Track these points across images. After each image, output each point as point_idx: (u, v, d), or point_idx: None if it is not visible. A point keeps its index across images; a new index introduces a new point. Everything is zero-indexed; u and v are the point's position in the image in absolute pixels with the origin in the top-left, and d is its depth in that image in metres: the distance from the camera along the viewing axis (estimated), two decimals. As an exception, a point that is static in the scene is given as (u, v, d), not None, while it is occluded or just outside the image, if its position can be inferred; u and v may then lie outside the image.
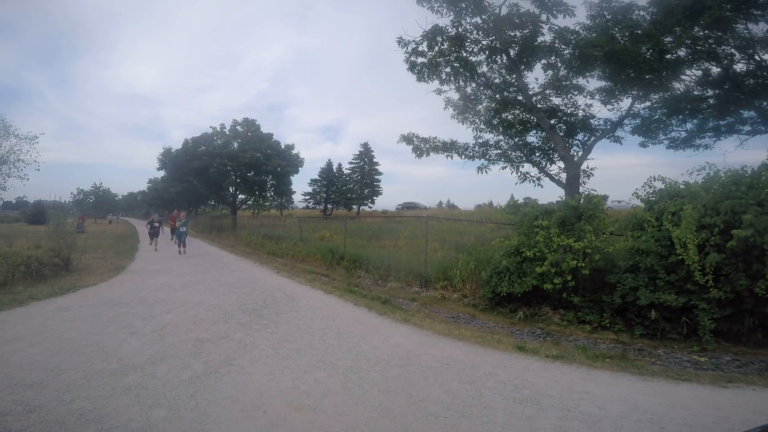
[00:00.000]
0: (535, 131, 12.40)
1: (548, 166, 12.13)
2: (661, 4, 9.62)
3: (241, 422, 2.96)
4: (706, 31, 9.32)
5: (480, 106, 12.27)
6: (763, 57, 9.85)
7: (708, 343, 4.83)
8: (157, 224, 16.99)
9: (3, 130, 17.22)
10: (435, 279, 8.42)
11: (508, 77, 11.62)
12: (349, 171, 60.86)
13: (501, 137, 12.54)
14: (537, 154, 12.34)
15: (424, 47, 10.77)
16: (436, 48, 10.62)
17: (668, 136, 12.15)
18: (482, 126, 12.50)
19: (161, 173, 35.20)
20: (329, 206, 59.62)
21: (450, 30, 10.56)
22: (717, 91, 10.93)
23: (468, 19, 10.65)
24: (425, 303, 7.35)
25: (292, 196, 34.98)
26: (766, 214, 4.72)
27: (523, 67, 11.15)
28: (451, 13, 10.58)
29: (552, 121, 11.52)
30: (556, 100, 11.92)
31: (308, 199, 60.25)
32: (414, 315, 6.41)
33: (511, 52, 10.86)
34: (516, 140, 12.42)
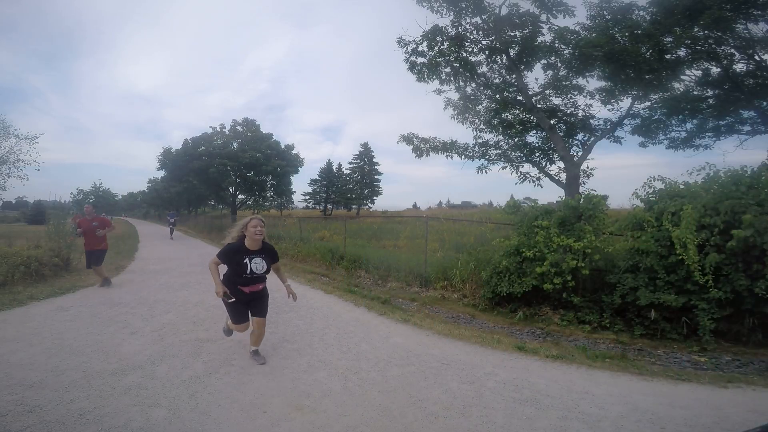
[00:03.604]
0: (535, 131, 12.44)
1: (548, 166, 12.17)
2: (661, 4, 9.63)
3: (241, 422, 2.96)
4: (706, 31, 9.33)
5: (480, 106, 12.30)
6: (763, 57, 9.86)
7: (708, 343, 4.83)
8: (259, 272, 4.01)
9: (3, 130, 17.25)
10: (435, 279, 8.42)
11: (508, 77, 11.64)
12: (349, 171, 60.93)
13: (501, 137, 12.57)
14: (537, 154, 12.37)
15: (424, 47, 10.80)
16: (436, 48, 10.64)
17: (668, 136, 12.18)
18: (482, 126, 12.55)
19: (161, 173, 35.27)
20: (329, 206, 59.63)
21: (450, 30, 10.58)
22: (717, 91, 10.94)
23: (468, 19, 10.68)
24: (425, 303, 7.35)
25: (292, 196, 35.02)
26: (766, 214, 4.72)
27: (523, 67, 11.17)
28: (451, 13, 10.60)
29: (552, 121, 11.55)
30: (556, 100, 11.97)
31: (308, 199, 60.27)
32: (414, 315, 6.41)
33: (511, 52, 10.88)
34: (516, 140, 12.43)
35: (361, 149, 60.64)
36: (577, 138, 12.19)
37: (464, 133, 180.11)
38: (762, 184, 5.05)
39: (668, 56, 9.60)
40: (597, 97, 11.34)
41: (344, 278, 9.77)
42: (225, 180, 26.20)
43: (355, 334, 5.33)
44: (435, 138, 12.18)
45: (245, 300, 3.99)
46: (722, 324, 4.93)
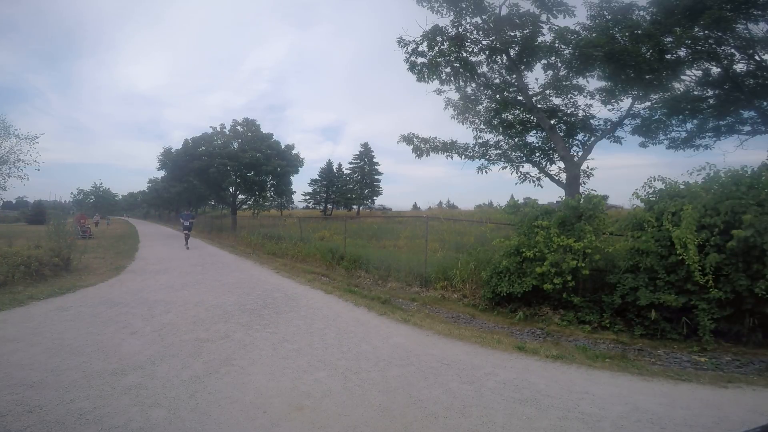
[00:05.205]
0: (535, 131, 12.41)
1: (548, 166, 12.14)
2: (661, 4, 9.62)
3: (241, 422, 2.97)
4: (706, 32, 9.32)
5: (480, 107, 12.27)
6: (763, 57, 9.85)
7: (708, 343, 4.83)
8: None
9: (3, 130, 17.29)
10: (435, 279, 8.42)
11: (508, 77, 11.62)
12: (349, 171, 60.94)
13: (501, 137, 12.55)
14: (537, 154, 12.35)
15: (424, 47, 10.77)
16: (436, 48, 10.62)
17: (668, 136, 12.17)
18: (482, 126, 12.52)
19: (161, 173, 35.26)
20: (329, 206, 59.63)
21: (450, 30, 10.55)
22: (717, 91, 10.93)
23: (468, 19, 10.65)
24: (425, 303, 7.35)
25: (292, 196, 34.98)
26: (766, 215, 4.72)
27: (523, 67, 11.15)
28: (451, 13, 10.58)
29: (552, 121, 11.52)
30: (556, 100, 11.94)
31: (308, 199, 60.29)
32: (414, 315, 6.41)
33: (511, 52, 10.86)
34: (516, 140, 12.42)
35: (362, 149, 60.68)
36: (577, 138, 12.18)
37: (464, 133, 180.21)
38: (762, 184, 5.05)
39: (668, 56, 9.58)
40: (597, 97, 11.33)
41: (344, 278, 9.77)
42: (225, 180, 26.15)
43: (355, 334, 5.33)
44: (435, 138, 12.16)
45: None
46: (722, 324, 4.93)
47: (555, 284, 5.85)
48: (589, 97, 11.50)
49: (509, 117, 12.23)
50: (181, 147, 28.08)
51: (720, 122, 11.64)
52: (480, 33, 10.76)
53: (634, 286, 5.46)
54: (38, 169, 18.05)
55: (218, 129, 27.08)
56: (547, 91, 11.69)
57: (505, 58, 11.01)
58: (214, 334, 5.11)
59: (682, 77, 10.64)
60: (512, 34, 10.66)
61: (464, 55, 10.85)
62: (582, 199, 6.51)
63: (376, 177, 60.19)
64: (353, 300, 7.39)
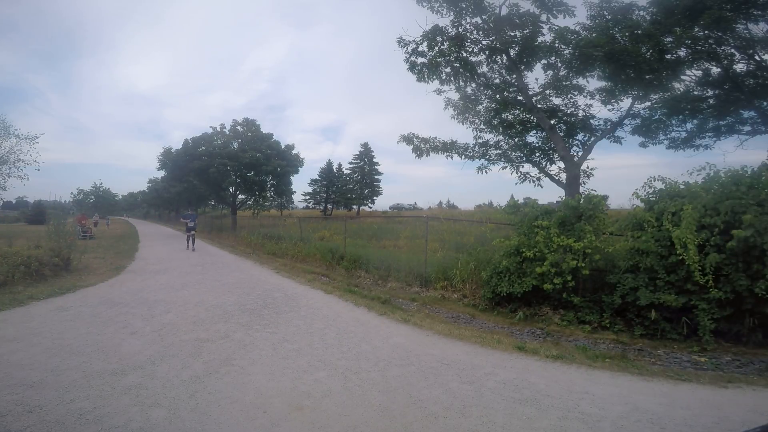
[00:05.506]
0: (535, 131, 12.42)
1: (548, 166, 12.16)
2: (661, 4, 9.62)
3: (241, 422, 2.97)
4: (706, 32, 9.32)
5: (480, 106, 12.28)
6: (763, 57, 9.85)
7: (708, 344, 4.83)
8: None
9: (3, 130, 17.29)
10: (435, 279, 8.42)
11: (508, 77, 11.63)
12: (349, 171, 60.90)
13: (501, 137, 12.56)
14: (537, 154, 12.36)
15: (424, 47, 10.77)
16: (436, 48, 10.62)
17: (668, 136, 12.18)
18: (482, 126, 12.53)
19: (161, 173, 35.24)
20: (329, 206, 59.63)
21: (450, 30, 10.56)
22: (717, 91, 10.94)
23: (468, 19, 10.66)
24: (425, 303, 7.35)
25: (292, 196, 34.97)
26: (766, 215, 4.72)
27: (523, 67, 11.15)
28: (451, 13, 10.59)
29: (552, 121, 11.53)
30: (556, 100, 11.95)
31: (308, 199, 60.26)
32: (414, 315, 6.41)
33: (511, 52, 10.86)
34: (516, 140, 12.43)
35: (362, 149, 60.63)
36: (577, 138, 12.19)
37: (464, 133, 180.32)
38: (762, 184, 5.05)
39: (668, 56, 9.59)
40: (597, 97, 11.33)
41: (344, 278, 9.77)
42: (225, 180, 26.15)
43: (355, 334, 5.33)
44: (435, 138, 12.16)
45: None
46: (722, 324, 4.93)
47: (555, 284, 5.85)
48: (589, 97, 11.52)
49: (509, 117, 12.24)
50: (181, 147, 28.07)
51: (720, 122, 11.65)
52: (480, 33, 10.77)
53: (634, 286, 5.46)
54: (38, 169, 18.08)
55: (218, 129, 27.08)
56: (547, 91, 11.70)
57: (505, 58, 11.01)
58: (214, 334, 5.11)
59: (682, 77, 10.65)
60: (512, 34, 10.66)
61: (464, 55, 10.85)
62: (582, 199, 6.51)
63: (376, 177, 60.18)
64: (353, 300, 7.39)
